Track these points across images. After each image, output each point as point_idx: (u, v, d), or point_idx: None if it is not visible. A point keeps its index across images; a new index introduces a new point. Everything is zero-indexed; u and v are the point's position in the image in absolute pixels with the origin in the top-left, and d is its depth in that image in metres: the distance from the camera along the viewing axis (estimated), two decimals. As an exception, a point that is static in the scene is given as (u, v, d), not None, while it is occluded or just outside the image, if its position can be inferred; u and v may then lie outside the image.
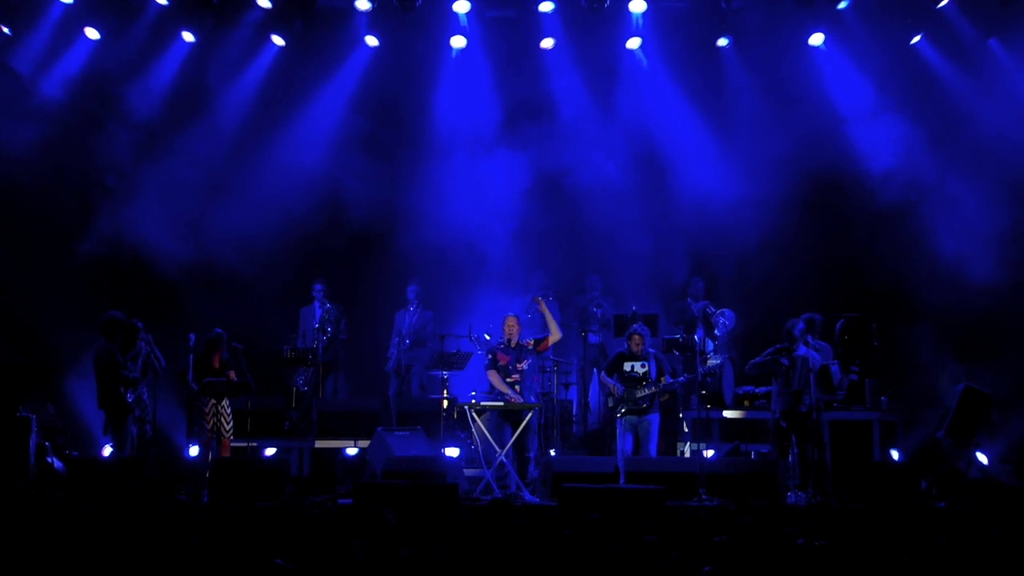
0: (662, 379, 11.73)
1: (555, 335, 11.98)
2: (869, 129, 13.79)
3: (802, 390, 11.25)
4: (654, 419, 11.73)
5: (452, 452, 12.20)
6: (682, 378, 12.00)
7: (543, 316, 12.18)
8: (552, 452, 12.32)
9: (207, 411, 11.70)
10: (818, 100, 13.87)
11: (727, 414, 12.68)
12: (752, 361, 11.71)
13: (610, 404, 11.87)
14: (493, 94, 14.23)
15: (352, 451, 12.32)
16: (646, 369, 11.75)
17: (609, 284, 14.32)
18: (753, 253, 13.92)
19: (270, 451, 12.60)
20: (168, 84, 14.13)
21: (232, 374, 11.99)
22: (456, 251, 14.07)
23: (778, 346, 11.52)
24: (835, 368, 11.79)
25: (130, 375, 11.82)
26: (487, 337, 12.40)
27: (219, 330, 12.09)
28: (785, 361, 11.37)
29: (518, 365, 11.66)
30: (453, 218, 13.88)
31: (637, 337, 11.88)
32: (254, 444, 12.30)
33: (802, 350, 11.44)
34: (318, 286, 14.09)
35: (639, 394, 11.64)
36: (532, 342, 11.90)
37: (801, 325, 11.51)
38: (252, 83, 14.31)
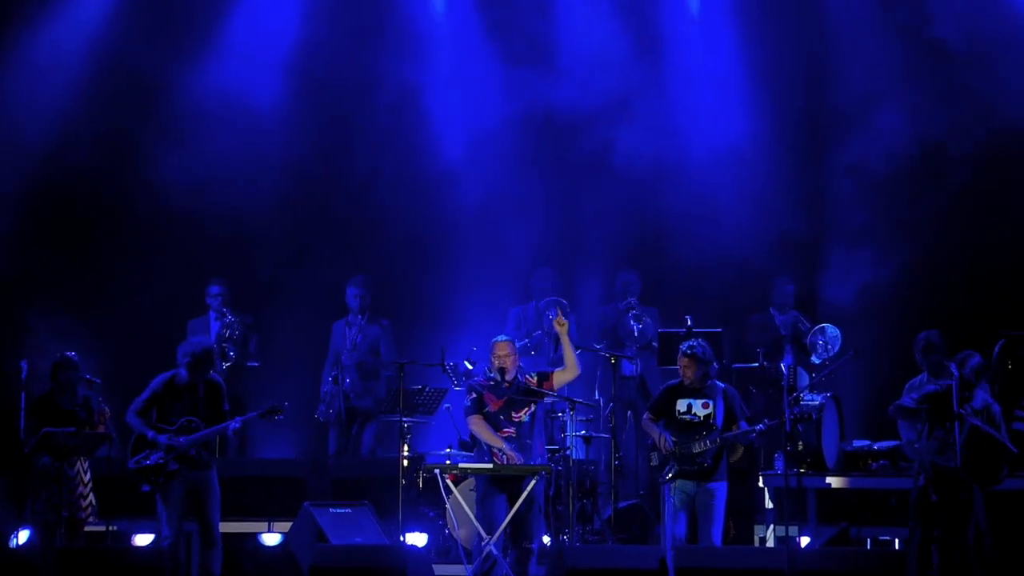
0: (733, 427, 10.97)
1: (572, 371, 11.13)
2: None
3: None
4: (719, 488, 10.88)
5: (416, 539, 12.01)
6: (761, 425, 11.05)
7: (557, 342, 11.62)
8: (565, 537, 11.82)
9: (50, 477, 11.23)
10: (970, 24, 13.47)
11: (830, 481, 12.20)
12: (898, 403, 10.94)
13: (654, 463, 11.22)
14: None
15: (268, 538, 12.10)
16: (710, 411, 10.96)
17: (651, 287, 13.86)
18: (868, 243, 13.62)
19: (143, 538, 12.04)
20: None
21: (100, 420, 11.44)
22: (423, 236, 14.05)
23: (943, 383, 10.76)
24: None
25: None
26: (469, 366, 12.12)
27: (71, 354, 11.50)
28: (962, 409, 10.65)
29: (514, 415, 10.91)
30: (413, 185, 13.99)
31: (687, 359, 10.95)
32: (114, 528, 11.82)
33: (982, 397, 10.89)
34: (215, 288, 13.61)
35: (697, 448, 10.87)
36: (535, 378, 11.03)
37: (977, 359, 10.88)
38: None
